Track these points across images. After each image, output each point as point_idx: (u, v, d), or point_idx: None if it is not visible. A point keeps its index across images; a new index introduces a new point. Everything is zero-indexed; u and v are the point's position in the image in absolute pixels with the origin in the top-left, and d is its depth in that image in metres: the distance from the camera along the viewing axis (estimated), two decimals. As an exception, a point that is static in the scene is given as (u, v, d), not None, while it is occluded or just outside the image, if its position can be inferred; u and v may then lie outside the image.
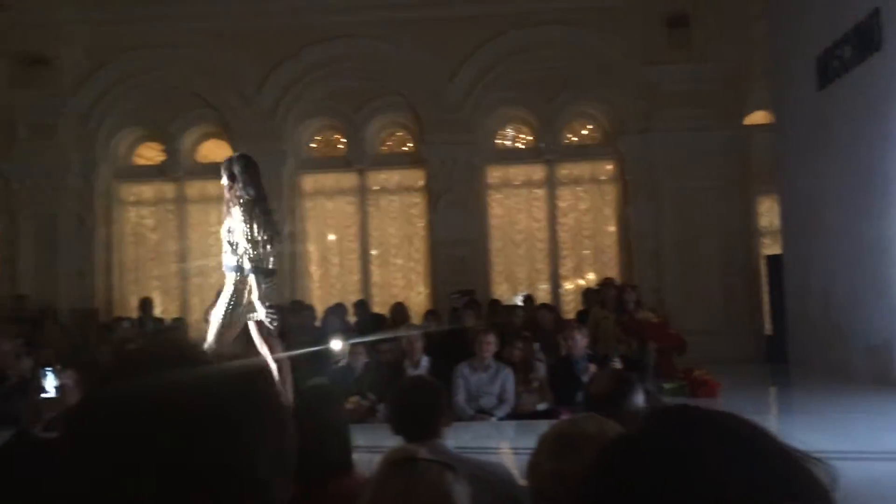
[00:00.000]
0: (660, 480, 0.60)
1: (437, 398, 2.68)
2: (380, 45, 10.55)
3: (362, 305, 9.77)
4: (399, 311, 9.22)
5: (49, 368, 6.51)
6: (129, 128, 11.02)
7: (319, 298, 10.66)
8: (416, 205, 11.11)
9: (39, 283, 10.30)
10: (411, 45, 10.49)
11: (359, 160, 10.99)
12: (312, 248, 11.16)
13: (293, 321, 9.26)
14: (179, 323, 9.82)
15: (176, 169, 10.98)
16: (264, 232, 4.88)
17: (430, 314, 8.82)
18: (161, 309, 10.64)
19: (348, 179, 11.19)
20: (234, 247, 4.93)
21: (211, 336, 5.13)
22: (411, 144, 11.36)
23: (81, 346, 8.62)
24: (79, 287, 10.43)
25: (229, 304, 4.99)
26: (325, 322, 9.04)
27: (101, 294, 10.59)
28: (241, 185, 4.95)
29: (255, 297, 4.90)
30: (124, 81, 10.73)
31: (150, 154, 11.59)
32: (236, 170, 5.01)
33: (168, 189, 11.13)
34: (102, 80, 10.69)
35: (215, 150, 11.37)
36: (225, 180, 5.03)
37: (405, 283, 11.08)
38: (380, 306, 10.15)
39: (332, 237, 11.31)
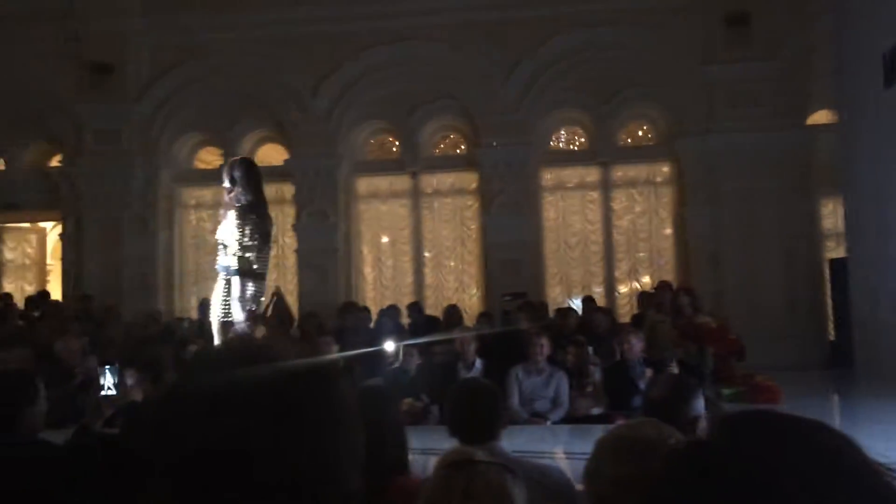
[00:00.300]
0: (735, 491, 0.59)
1: (495, 400, 2.68)
2: (433, 49, 10.60)
3: (416, 307, 9.82)
4: (452, 314, 9.23)
5: (109, 366, 6.66)
6: (189, 133, 11.29)
7: (373, 300, 10.75)
8: (469, 207, 11.12)
9: (104, 284, 10.62)
10: (465, 47, 10.51)
11: (412, 163, 11.06)
12: (366, 251, 11.26)
13: (347, 322, 9.36)
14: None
15: (233, 173, 11.19)
16: (253, 236, 4.94)
17: (483, 316, 8.81)
18: (221, 310, 10.85)
19: (402, 182, 11.26)
20: (226, 249, 5.04)
21: (216, 335, 5.30)
22: (464, 147, 11.37)
23: (143, 346, 8.84)
24: (141, 288, 10.72)
25: (222, 304, 5.11)
26: (379, 324, 9.12)
27: (163, 295, 10.86)
28: (239, 189, 5.04)
29: (233, 297, 5.01)
30: (185, 88, 11.00)
31: (209, 158, 11.85)
32: (237, 174, 5.10)
33: (223, 192, 11.34)
34: (164, 87, 10.98)
35: (272, 154, 11.58)
36: (226, 183, 5.12)
37: (458, 285, 11.09)
38: (433, 308, 10.18)
39: (385, 239, 11.40)
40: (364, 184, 11.31)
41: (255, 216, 5.00)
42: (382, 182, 11.32)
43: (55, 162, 11.47)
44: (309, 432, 0.74)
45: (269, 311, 9.89)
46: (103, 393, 6.45)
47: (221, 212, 5.19)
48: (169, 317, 10.48)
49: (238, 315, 5.05)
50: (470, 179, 11.08)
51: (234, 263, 4.95)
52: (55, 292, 12.14)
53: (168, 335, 9.47)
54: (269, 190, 11.12)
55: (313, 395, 0.76)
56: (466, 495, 1.70)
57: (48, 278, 13.51)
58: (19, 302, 10.81)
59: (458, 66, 10.58)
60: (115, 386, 6.47)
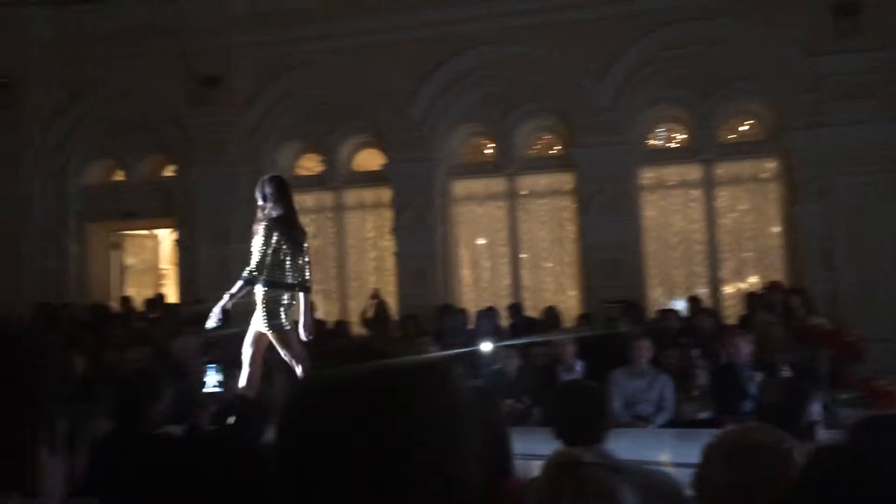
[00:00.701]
0: (877, 493, 0.57)
1: (600, 402, 2.66)
2: (526, 50, 10.57)
3: (516, 309, 9.81)
4: (551, 315, 9.18)
5: (213, 365, 6.90)
6: (291, 141, 11.67)
7: (471, 302, 10.80)
8: (566, 208, 11.01)
9: (214, 288, 11.08)
10: (558, 47, 10.43)
11: (508, 165, 11.05)
12: (464, 253, 11.33)
13: (446, 324, 9.46)
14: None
15: (334, 178, 11.50)
16: (283, 248, 5.24)
17: (583, 318, 8.72)
18: (323, 311, 11.16)
19: (497, 184, 11.27)
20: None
21: (246, 343, 5.58)
22: (559, 147, 11.28)
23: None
24: (250, 291, 11.12)
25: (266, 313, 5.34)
26: (478, 325, 9.16)
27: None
28: (270, 204, 5.33)
29: (258, 307, 5.30)
30: (286, 98, 11.38)
31: (310, 165, 12.21)
32: (268, 191, 5.37)
33: (327, 197, 11.68)
34: (267, 97, 11.39)
35: (370, 160, 11.83)
36: (259, 200, 5.40)
37: (556, 287, 11.00)
38: (530, 310, 10.14)
39: (482, 242, 11.44)
40: (460, 187, 11.39)
41: (284, 229, 5.27)
42: (478, 185, 11.36)
43: (169, 172, 12.08)
44: (432, 424, 0.75)
45: (370, 313, 10.14)
46: (208, 390, 6.74)
47: (254, 226, 5.44)
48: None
49: (274, 322, 5.30)
50: (566, 180, 10.98)
51: (260, 273, 5.23)
52: (171, 296, 12.79)
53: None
54: (368, 194, 11.49)
55: (434, 389, 0.78)
56: (575, 497, 1.70)
57: (164, 282, 14.26)
58: (139, 305, 11.47)
59: (551, 67, 10.51)
60: (220, 383, 6.75)
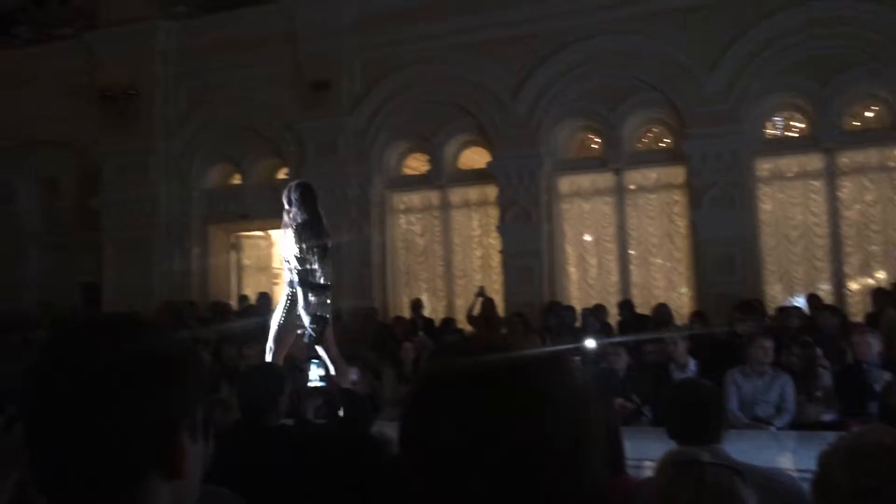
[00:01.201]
0: None
1: (717, 401, 2.58)
2: (633, 41, 10.34)
3: (626, 306, 9.63)
4: (662, 312, 8.95)
5: (315, 360, 7.08)
6: (398, 141, 11.88)
7: (578, 299, 10.68)
8: (677, 202, 10.70)
9: (327, 285, 11.46)
10: (665, 37, 10.15)
11: (615, 159, 10.84)
12: (570, 250, 11.20)
13: (552, 322, 9.39)
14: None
15: (440, 177, 11.62)
16: (313, 251, 5.46)
17: (697, 316, 8.45)
18: (429, 309, 11.32)
19: (605, 179, 11.08)
20: (289, 263, 5.60)
21: (270, 339, 5.83)
22: (669, 140, 10.97)
23: (362, 343, 9.43)
24: (359, 289, 11.44)
25: (282, 313, 5.71)
26: (585, 323, 9.04)
27: (378, 295, 11.51)
28: (296, 209, 5.59)
29: (300, 308, 5.52)
30: (393, 99, 11.58)
31: (416, 164, 12.40)
32: (294, 197, 5.62)
33: (433, 196, 11.82)
34: (374, 100, 11.64)
35: (475, 157, 11.89)
36: (286, 206, 5.65)
37: (666, 283, 10.71)
38: (640, 307, 9.92)
39: (589, 238, 11.27)
40: (566, 182, 11.27)
41: (310, 232, 5.51)
42: (585, 180, 11.21)
43: (282, 175, 12.54)
44: (564, 416, 0.76)
45: (476, 311, 10.19)
46: (312, 384, 6.95)
47: (283, 231, 5.72)
48: (384, 316, 11.09)
49: (306, 322, 5.55)
50: (676, 173, 10.66)
51: (296, 277, 5.54)
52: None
53: (382, 332, 10.03)
54: (473, 192, 11.55)
55: (561, 380, 0.78)
56: (694, 498, 1.66)
57: (277, 281, 14.83)
58: (254, 303, 11.96)
59: (659, 57, 10.23)
60: (322, 378, 6.94)
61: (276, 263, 14.78)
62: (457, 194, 11.76)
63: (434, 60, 11.19)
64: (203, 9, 12.28)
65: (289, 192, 5.74)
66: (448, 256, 11.67)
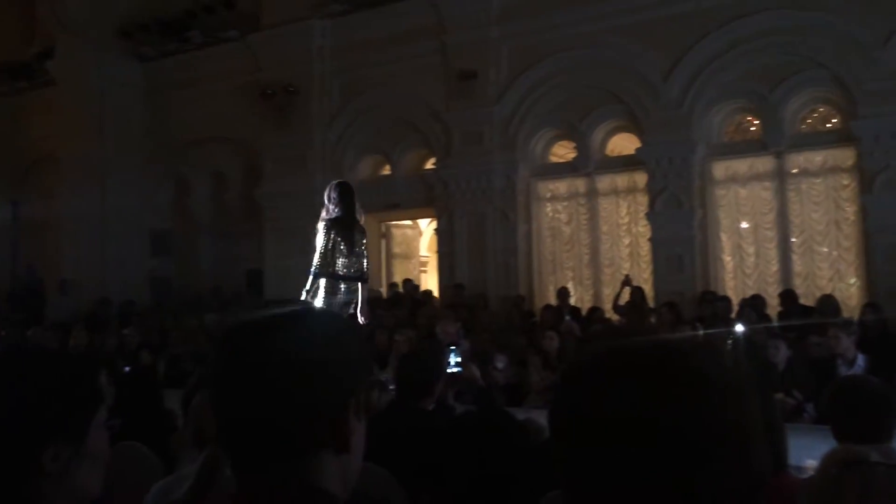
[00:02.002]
0: None
1: (887, 399, 2.40)
2: (797, 15, 9.68)
3: (788, 296, 9.10)
4: (827, 304, 8.39)
5: (453, 347, 7.18)
6: (544, 129, 11.79)
7: (733, 289, 10.21)
8: (846, 187, 9.96)
9: (473, 273, 11.62)
10: (835, 9, 9.43)
11: (775, 142, 10.23)
12: (725, 238, 10.71)
13: (706, 312, 9.04)
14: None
15: (587, 164, 11.44)
16: (339, 245, 6.05)
17: (868, 307, 7.85)
18: (575, 298, 11.20)
19: (763, 163, 10.48)
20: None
21: None
22: (836, 120, 10.22)
23: (509, 331, 9.49)
24: (505, 277, 11.51)
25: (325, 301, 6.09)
26: (741, 314, 8.63)
27: (524, 284, 11.52)
28: (332, 206, 6.12)
29: (321, 296, 6.06)
30: (540, 87, 11.51)
31: (562, 152, 12.28)
32: (333, 195, 6.17)
33: (580, 184, 11.66)
34: (520, 88, 11.61)
35: (624, 143, 11.61)
36: (326, 202, 6.19)
37: (833, 273, 10.00)
38: (804, 298, 9.34)
39: (745, 225, 10.73)
40: (721, 168, 10.76)
41: (339, 227, 6.09)
42: (741, 165, 10.66)
43: (429, 164, 12.82)
44: (720, 401, 0.74)
45: (624, 300, 9.98)
46: (449, 371, 7.06)
47: (318, 224, 6.23)
48: (529, 305, 11.09)
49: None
50: (845, 156, 9.92)
51: (324, 267, 6.08)
52: (432, 282, 13.60)
53: (528, 321, 10.04)
54: (622, 179, 11.29)
55: (717, 365, 0.76)
56: (862, 497, 1.56)
57: (424, 269, 15.20)
58: (403, 291, 12.33)
59: (827, 31, 9.52)
60: (458, 364, 7.03)
61: (423, 251, 15.17)
62: (604, 181, 11.54)
63: (582, 46, 11.01)
64: (355, 6, 12.74)
65: (329, 190, 6.29)
66: (595, 244, 11.49)
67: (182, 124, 14.64)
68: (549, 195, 11.97)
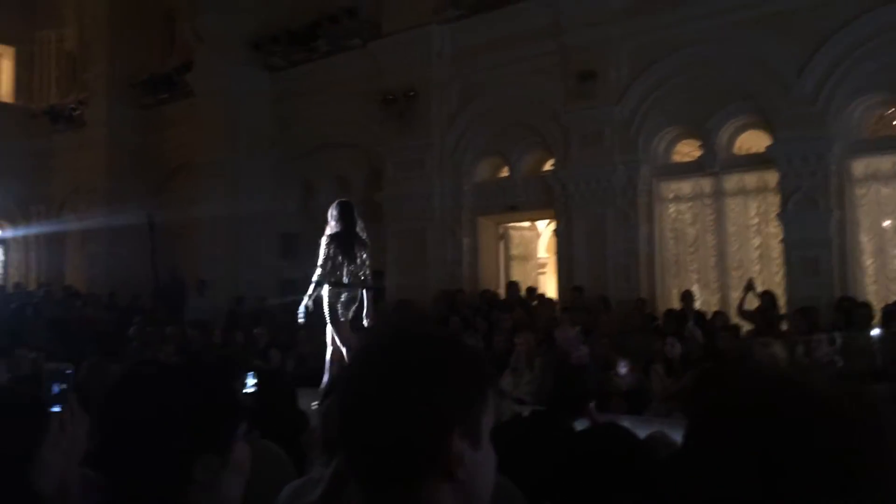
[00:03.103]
0: None
1: None
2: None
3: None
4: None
5: None
6: (667, 128, 11.46)
7: (874, 294, 9.57)
8: None
9: (592, 276, 11.44)
10: None
11: (925, 137, 9.51)
12: (865, 239, 10.05)
13: (842, 319, 8.54)
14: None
15: (713, 163, 11.03)
16: (337, 257, 6.97)
17: None
18: (700, 301, 10.82)
19: (909, 160, 9.77)
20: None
21: (328, 336, 7.24)
22: None
23: (630, 336, 9.29)
24: (625, 280, 11.26)
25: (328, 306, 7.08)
26: (886, 320, 8.07)
27: (645, 286, 11.24)
28: (333, 223, 7.09)
29: (324, 304, 7.02)
30: (662, 85, 11.20)
31: (686, 150, 11.88)
32: (333, 213, 7.14)
33: (705, 183, 11.25)
34: (642, 86, 11.33)
35: (752, 142, 11.11)
36: (329, 220, 7.15)
37: None
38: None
39: (888, 224, 10.02)
40: (861, 165, 10.10)
41: (338, 242, 7.02)
42: (885, 162, 9.96)
43: (548, 166, 12.73)
44: (867, 458, 0.71)
45: (749, 305, 9.54)
46: None
47: (322, 240, 7.20)
48: (651, 308, 10.81)
49: (332, 316, 7.05)
50: None
51: (324, 277, 7.02)
52: (550, 284, 13.51)
53: (650, 324, 9.79)
54: (750, 178, 10.81)
55: (861, 421, 0.73)
56: None
57: (542, 271, 15.11)
58: (522, 293, 12.30)
59: None
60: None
61: (541, 253, 15.09)
62: (732, 181, 11.07)
63: (707, 41, 10.62)
64: (473, 10, 12.82)
65: (332, 208, 7.23)
66: (721, 246, 11.05)
67: (307, 131, 15.23)
68: (671, 195, 11.62)
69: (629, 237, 11.35)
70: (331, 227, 7.11)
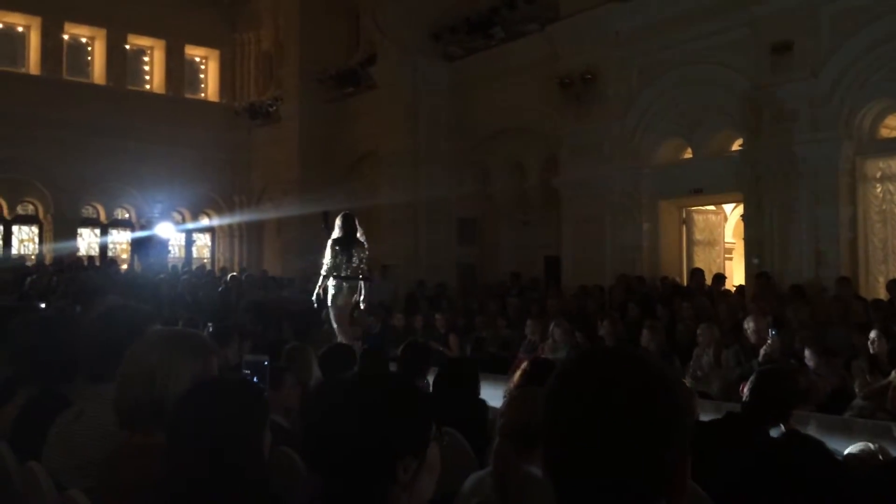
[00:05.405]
0: None
1: None
2: None
3: None
4: None
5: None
6: (874, 100, 10.42)
7: None
8: None
9: (783, 262, 10.71)
10: None
11: None
12: None
13: None
14: None
15: (928, 138, 9.91)
16: (339, 256, 8.84)
17: None
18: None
19: None
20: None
21: (333, 322, 9.07)
22: None
23: (827, 327, 8.63)
24: (823, 267, 10.43)
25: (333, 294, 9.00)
26: None
27: (848, 272, 10.33)
28: (337, 230, 8.93)
29: (329, 292, 8.91)
30: (869, 53, 10.17)
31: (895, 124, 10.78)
32: (338, 222, 8.97)
33: (922, 161, 10.14)
34: (846, 56, 10.34)
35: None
36: (335, 227, 9.02)
37: None
38: None
39: None
40: None
41: (338, 245, 8.89)
42: None
43: (736, 146, 12.04)
44: None
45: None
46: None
47: (327, 243, 9.10)
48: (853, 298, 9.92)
49: (335, 304, 8.93)
50: None
51: (328, 272, 8.93)
52: (738, 270, 12.81)
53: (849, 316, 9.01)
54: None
55: None
56: None
57: (729, 256, 14.35)
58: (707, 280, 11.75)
59: None
60: None
61: (728, 237, 14.32)
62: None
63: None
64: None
65: (337, 219, 9.02)
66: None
67: (484, 117, 15.42)
68: (879, 174, 10.58)
69: (827, 221, 10.49)
70: (335, 233, 8.95)
